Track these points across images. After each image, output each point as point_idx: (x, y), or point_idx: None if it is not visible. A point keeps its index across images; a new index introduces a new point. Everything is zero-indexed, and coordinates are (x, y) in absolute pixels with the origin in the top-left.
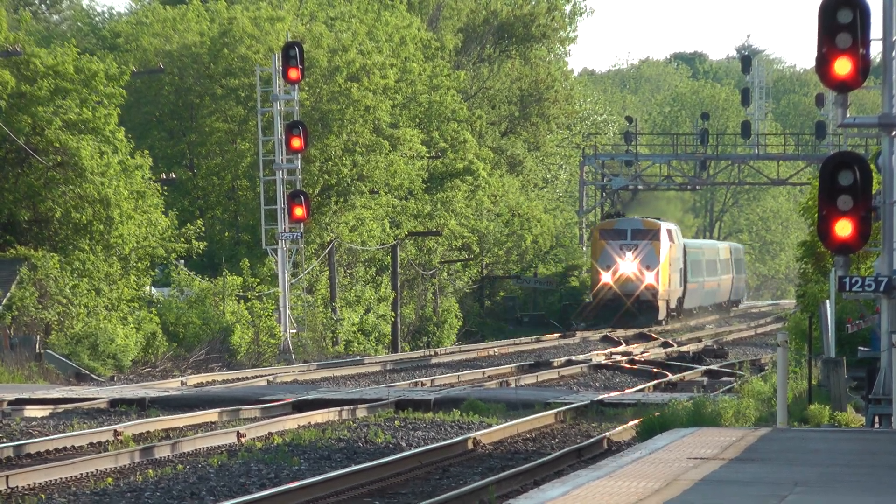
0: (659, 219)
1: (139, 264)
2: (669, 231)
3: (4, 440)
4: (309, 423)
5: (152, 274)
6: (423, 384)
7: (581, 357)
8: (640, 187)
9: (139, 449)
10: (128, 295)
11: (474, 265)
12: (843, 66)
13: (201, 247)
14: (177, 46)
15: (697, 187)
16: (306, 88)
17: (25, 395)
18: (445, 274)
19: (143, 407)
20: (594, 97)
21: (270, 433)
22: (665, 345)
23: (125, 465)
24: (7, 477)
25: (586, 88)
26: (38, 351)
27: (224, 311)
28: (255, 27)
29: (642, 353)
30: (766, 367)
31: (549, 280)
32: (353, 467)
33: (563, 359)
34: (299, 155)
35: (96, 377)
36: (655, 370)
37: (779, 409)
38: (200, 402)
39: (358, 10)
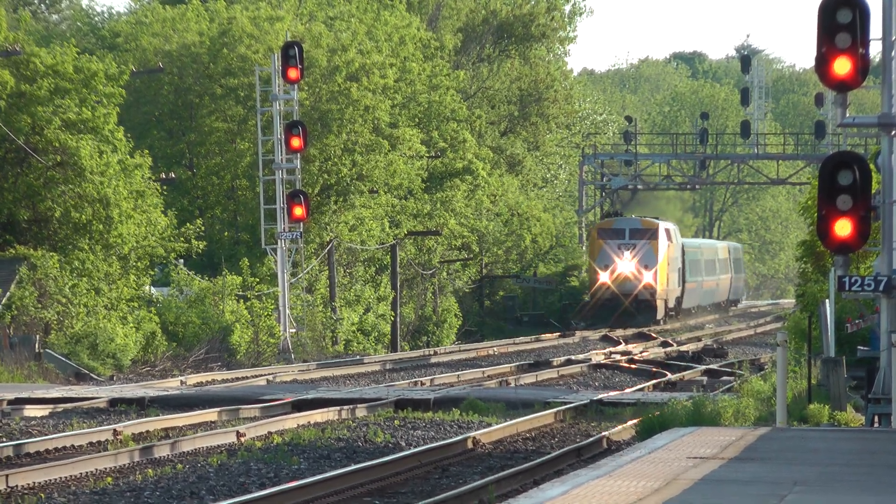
0: (657, 218)
1: (139, 264)
2: (668, 230)
3: (4, 439)
4: (308, 422)
5: (152, 273)
6: (422, 383)
7: (580, 356)
8: (639, 187)
9: (139, 448)
10: (127, 294)
11: (474, 265)
12: (842, 66)
13: (201, 246)
14: (176, 46)
15: (697, 187)
16: (306, 88)
17: (25, 395)
18: (445, 273)
19: (142, 406)
20: (594, 97)
21: (270, 432)
22: (664, 344)
23: (125, 465)
24: (7, 476)
25: (586, 88)
26: (37, 350)
27: (223, 310)
28: (255, 27)
29: (642, 352)
30: (766, 367)
31: (549, 280)
32: (353, 467)
33: (563, 358)
34: (299, 154)
35: (96, 377)
36: (655, 369)
37: (778, 409)
38: (200, 402)
39: (357, 10)
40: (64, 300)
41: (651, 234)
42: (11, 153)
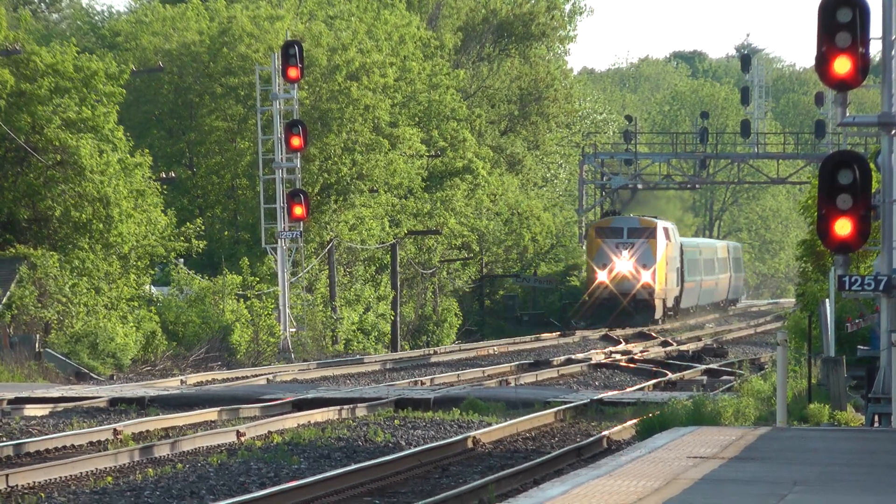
0: (655, 217)
1: (139, 263)
2: (666, 229)
3: (4, 439)
4: (308, 421)
5: (152, 273)
6: (422, 383)
7: (581, 356)
8: (639, 186)
9: (139, 448)
10: (127, 294)
11: (474, 264)
12: (842, 65)
13: (201, 245)
14: (176, 45)
15: (697, 186)
16: (306, 87)
17: (25, 394)
18: (445, 273)
19: (142, 406)
20: (594, 96)
21: (270, 432)
22: (665, 344)
23: (125, 464)
24: (7, 476)
25: (586, 87)
26: (37, 350)
27: (224, 309)
28: (255, 26)
29: (642, 351)
30: (766, 366)
31: (549, 279)
32: (353, 466)
33: (563, 358)
34: (299, 154)
35: (96, 376)
36: (655, 369)
37: (778, 409)
38: (200, 401)
39: (357, 9)
40: (64, 299)
41: (649, 233)
42: (11, 152)
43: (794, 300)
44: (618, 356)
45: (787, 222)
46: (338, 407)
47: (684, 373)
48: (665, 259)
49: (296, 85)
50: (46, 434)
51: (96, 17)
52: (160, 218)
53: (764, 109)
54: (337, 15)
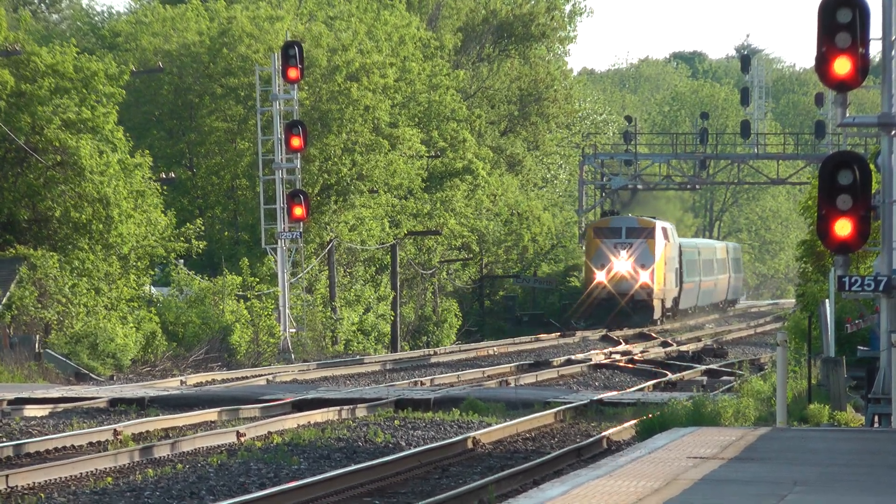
0: (654, 217)
1: (139, 263)
2: (664, 229)
3: (4, 440)
4: (308, 422)
5: (152, 273)
6: (422, 383)
7: (580, 356)
8: (639, 187)
9: (139, 448)
10: (127, 294)
11: (474, 264)
12: (842, 66)
13: (201, 246)
14: (176, 46)
15: (697, 187)
16: (306, 88)
17: (25, 395)
18: (445, 273)
19: (142, 406)
20: (593, 97)
21: (270, 432)
22: (664, 344)
23: (125, 465)
24: (7, 476)
25: (586, 88)
26: (37, 350)
27: (223, 310)
28: (255, 26)
29: (642, 352)
30: (766, 367)
31: (549, 279)
32: (353, 467)
33: (563, 358)
34: (299, 154)
35: (96, 376)
36: (655, 369)
37: (778, 409)
38: (200, 402)
39: (357, 10)
40: (64, 300)
41: (648, 233)
42: (11, 153)
43: (794, 301)
44: (617, 357)
45: (787, 223)
46: (338, 407)
47: (684, 373)
48: (663, 259)
49: (296, 85)
50: (46, 434)
51: (96, 18)
52: (160, 218)
53: (764, 110)
54: (337, 15)
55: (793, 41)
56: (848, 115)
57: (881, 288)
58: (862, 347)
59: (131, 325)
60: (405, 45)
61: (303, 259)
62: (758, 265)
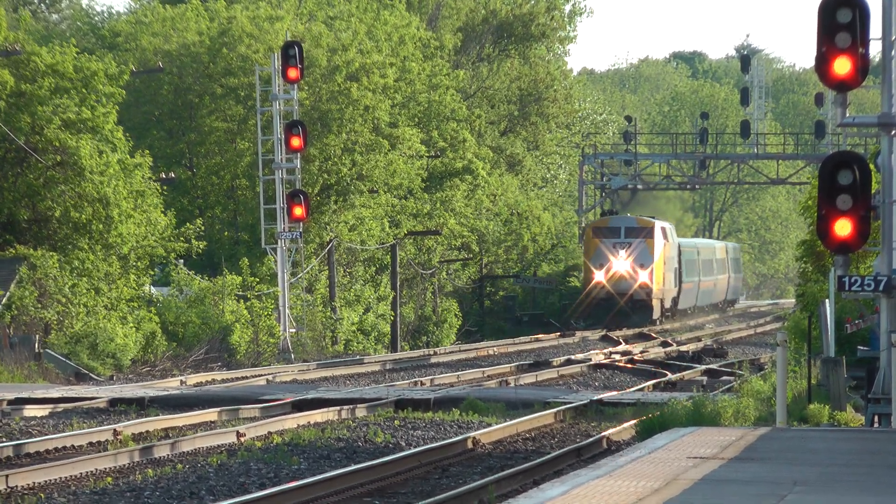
0: (653, 217)
1: (138, 263)
2: (663, 229)
3: (4, 440)
4: (308, 422)
5: (152, 273)
6: (422, 383)
7: (580, 356)
8: (639, 187)
9: (138, 448)
10: (127, 294)
11: (473, 264)
12: (842, 66)
13: (201, 246)
14: (176, 46)
15: (697, 187)
16: (306, 88)
17: (25, 395)
18: (445, 273)
19: (142, 406)
20: (593, 96)
21: (270, 433)
22: (664, 344)
23: (125, 465)
24: (7, 476)
25: (585, 88)
26: (37, 350)
27: (223, 310)
28: (255, 26)
29: (642, 352)
30: (766, 367)
31: (549, 279)
32: (353, 467)
33: (563, 358)
34: (299, 154)
35: (96, 376)
36: (655, 369)
37: (778, 409)
38: (200, 402)
39: (357, 10)
40: (64, 300)
41: (647, 232)
42: (11, 153)
43: (793, 301)
44: (617, 357)
45: (787, 223)
46: (338, 407)
47: (684, 373)
48: (662, 259)
49: (296, 85)
50: (46, 435)
51: (96, 18)
52: (160, 218)
53: (764, 110)
54: (337, 15)
55: (793, 41)
56: (848, 115)
57: (881, 288)
58: (862, 347)
59: (131, 325)
60: (405, 45)
61: (303, 259)
62: (758, 265)
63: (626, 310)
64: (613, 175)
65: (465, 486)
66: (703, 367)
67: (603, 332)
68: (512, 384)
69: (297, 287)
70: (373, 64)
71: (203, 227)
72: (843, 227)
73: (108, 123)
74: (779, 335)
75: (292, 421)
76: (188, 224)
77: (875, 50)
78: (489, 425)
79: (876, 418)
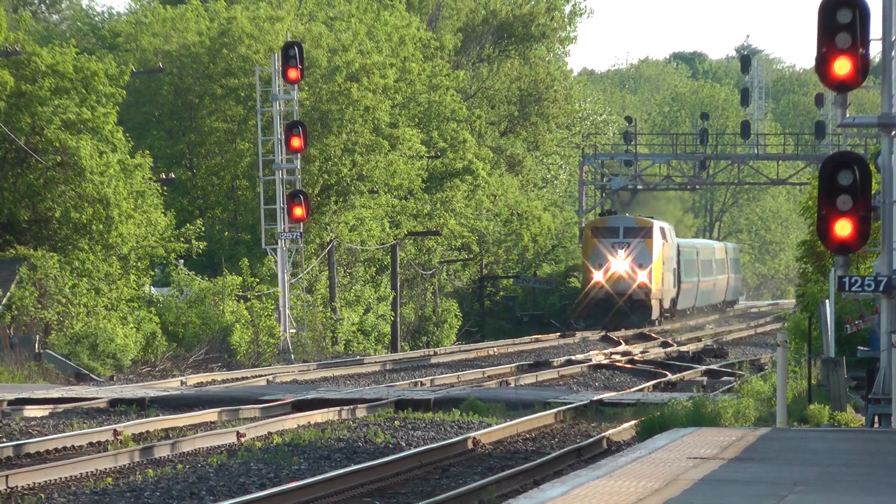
0: (652, 217)
1: (139, 264)
2: (662, 229)
3: (4, 440)
4: (308, 422)
5: (152, 274)
6: (422, 384)
7: (580, 357)
8: (639, 187)
9: (139, 449)
10: (127, 295)
11: (474, 265)
12: (842, 66)
13: (201, 246)
14: (176, 46)
15: (697, 187)
16: (306, 88)
17: (25, 395)
18: (445, 273)
19: (142, 407)
20: (594, 97)
21: (270, 433)
22: (665, 344)
23: (125, 465)
24: (7, 477)
25: (586, 88)
26: (37, 351)
27: (224, 310)
28: (255, 27)
29: (642, 352)
30: (766, 367)
31: (549, 280)
32: (353, 467)
33: (563, 358)
34: (299, 155)
35: (96, 377)
36: (655, 370)
37: (778, 409)
38: (200, 402)
39: (357, 10)
40: (64, 300)
41: (645, 232)
42: (11, 153)
43: (794, 301)
44: (617, 357)
45: (787, 223)
46: (338, 408)
47: (684, 374)
48: (661, 259)
49: (296, 86)
50: (46, 435)
51: (96, 18)
52: (160, 219)
53: (764, 110)
54: (337, 16)
55: (793, 41)
56: (848, 115)
57: (881, 288)
58: (862, 348)
59: (131, 325)
60: (405, 45)
61: (303, 259)
62: (758, 265)
63: (625, 310)
64: (613, 175)
65: (466, 487)
66: (704, 367)
67: (603, 333)
68: (512, 384)
69: (298, 287)
70: (373, 64)
71: (203, 228)
72: (843, 228)
73: (108, 124)
74: (779, 335)
75: (292, 421)
76: (188, 224)
77: (875, 50)
78: (489, 426)
79: (876, 419)
